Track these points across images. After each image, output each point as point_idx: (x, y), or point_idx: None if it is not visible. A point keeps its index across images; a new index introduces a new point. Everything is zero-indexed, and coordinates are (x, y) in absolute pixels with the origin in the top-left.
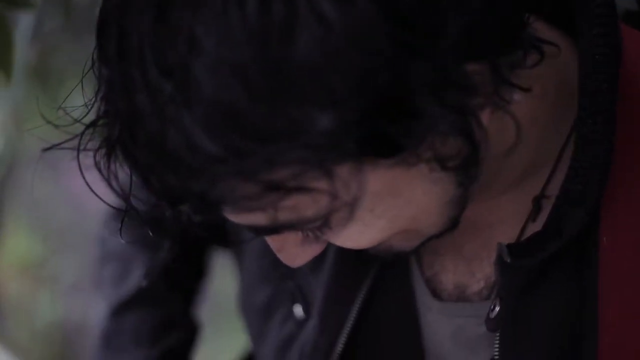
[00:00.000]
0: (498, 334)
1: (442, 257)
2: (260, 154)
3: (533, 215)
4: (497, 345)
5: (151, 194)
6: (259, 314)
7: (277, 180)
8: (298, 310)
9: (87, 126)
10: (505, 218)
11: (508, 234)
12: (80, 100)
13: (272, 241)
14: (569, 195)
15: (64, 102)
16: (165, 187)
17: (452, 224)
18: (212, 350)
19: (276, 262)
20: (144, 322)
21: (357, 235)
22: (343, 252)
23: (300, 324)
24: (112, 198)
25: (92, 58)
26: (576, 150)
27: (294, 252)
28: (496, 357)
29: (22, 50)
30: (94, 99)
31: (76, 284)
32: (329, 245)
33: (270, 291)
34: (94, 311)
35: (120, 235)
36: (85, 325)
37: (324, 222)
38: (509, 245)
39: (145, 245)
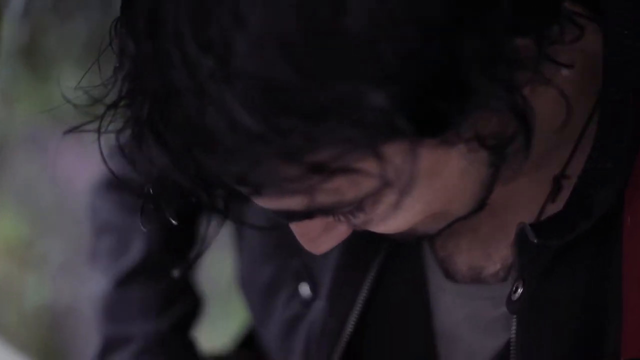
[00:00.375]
0: (515, 316)
1: (456, 239)
2: (306, 132)
3: (553, 196)
4: (514, 328)
5: (184, 179)
6: (262, 292)
7: (321, 161)
8: (304, 289)
9: (109, 107)
10: (523, 199)
11: (526, 215)
12: (73, 81)
13: (296, 227)
14: (596, 174)
15: (78, 83)
16: (201, 170)
17: (480, 206)
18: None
19: (281, 239)
20: (149, 294)
21: (390, 219)
22: (353, 232)
23: (307, 304)
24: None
25: (111, 33)
26: (603, 127)
27: (319, 238)
28: (514, 340)
29: (11, 30)
30: (114, 78)
31: (64, 265)
32: None
33: (274, 269)
34: (83, 293)
35: (143, 219)
36: (74, 307)
37: (359, 206)
38: (532, 225)
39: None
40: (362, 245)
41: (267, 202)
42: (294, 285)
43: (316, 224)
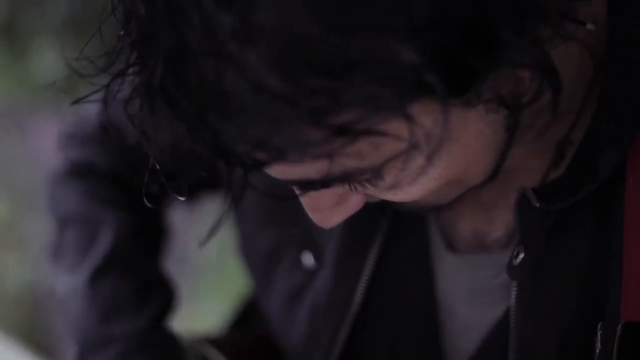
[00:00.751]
0: (516, 283)
1: (459, 205)
2: (331, 91)
3: (556, 162)
4: (514, 294)
5: (200, 147)
6: (263, 262)
7: (346, 123)
8: (308, 258)
9: (115, 75)
10: (527, 166)
11: (529, 182)
12: (52, 56)
13: (307, 200)
14: (600, 135)
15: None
16: (218, 137)
17: (493, 175)
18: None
19: (281, 207)
20: (122, 290)
21: (409, 186)
22: None
23: (311, 274)
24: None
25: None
26: (607, 88)
27: (330, 211)
28: (513, 307)
29: None
30: (118, 45)
31: (46, 247)
32: None
33: (275, 237)
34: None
35: (146, 195)
36: (51, 294)
37: (378, 172)
38: (535, 190)
39: (114, 204)
40: (366, 213)
41: (284, 171)
42: (296, 254)
43: (328, 196)
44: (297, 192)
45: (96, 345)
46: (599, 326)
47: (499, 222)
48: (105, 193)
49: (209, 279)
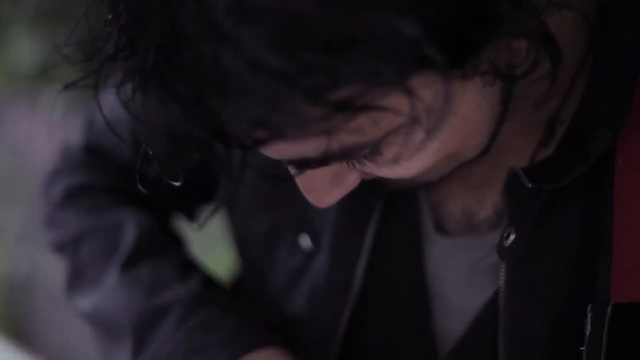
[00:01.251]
0: (504, 264)
1: (449, 184)
2: (330, 68)
3: (546, 140)
4: (503, 275)
5: (197, 130)
6: (260, 247)
7: (345, 99)
8: (305, 240)
9: (105, 60)
10: (516, 144)
11: (518, 160)
12: (27, 45)
13: (303, 179)
14: (592, 114)
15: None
16: (215, 118)
17: (487, 148)
18: None
19: (275, 191)
20: (162, 270)
21: (406, 161)
22: None
23: (309, 256)
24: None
25: None
26: (599, 66)
27: (325, 190)
28: (502, 288)
29: None
30: (106, 30)
31: (23, 235)
32: None
33: (271, 222)
34: (42, 263)
35: (143, 184)
36: (33, 277)
37: (377, 147)
38: (525, 170)
39: (127, 207)
40: (361, 195)
41: (282, 150)
42: (293, 237)
43: (324, 175)
44: (293, 172)
45: (153, 319)
46: (589, 308)
47: (488, 202)
48: (114, 201)
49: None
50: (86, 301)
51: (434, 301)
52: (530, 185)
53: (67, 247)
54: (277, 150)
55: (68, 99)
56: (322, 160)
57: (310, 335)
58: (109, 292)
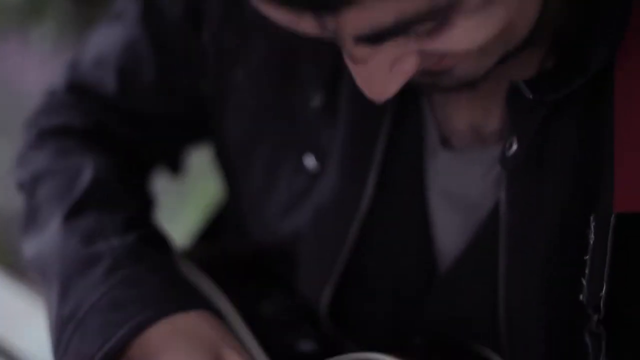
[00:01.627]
0: (506, 174)
1: (456, 97)
2: None
3: (550, 54)
4: (505, 186)
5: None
6: (260, 170)
7: None
8: (310, 161)
9: None
10: (522, 58)
11: (524, 75)
12: None
13: (361, 71)
14: (592, 27)
15: None
16: None
17: (528, 38)
18: None
19: (277, 113)
20: (105, 221)
21: (473, 30)
22: (357, 102)
23: (314, 177)
24: (47, 83)
25: None
26: None
27: (384, 80)
28: (504, 199)
29: None
30: None
31: (11, 170)
32: (342, 96)
33: (272, 148)
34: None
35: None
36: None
37: (445, 15)
38: (526, 82)
39: (94, 153)
40: (368, 115)
41: (357, 20)
42: (297, 159)
43: (383, 63)
44: (359, 56)
45: (81, 268)
46: (592, 218)
47: (495, 115)
48: (84, 146)
49: (179, 192)
50: (31, 245)
51: (436, 216)
52: (531, 97)
53: (26, 187)
54: (353, 21)
55: (59, 33)
56: (394, 29)
57: (312, 256)
58: (50, 237)
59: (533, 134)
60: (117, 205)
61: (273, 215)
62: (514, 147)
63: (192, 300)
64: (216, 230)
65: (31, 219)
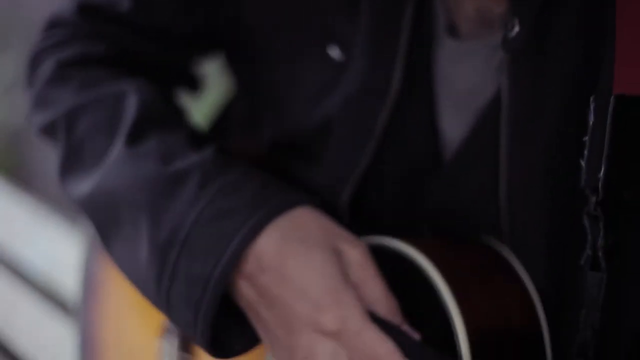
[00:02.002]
0: (508, 57)
1: None
2: None
3: None
4: (506, 69)
5: None
6: (285, 61)
7: None
8: (334, 51)
9: None
10: None
11: None
12: None
13: None
14: None
15: None
16: None
17: None
18: None
19: (299, 3)
20: (170, 138)
21: None
22: None
23: (340, 68)
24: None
25: None
26: None
27: None
28: (505, 82)
29: None
30: None
31: (19, 81)
32: None
33: (296, 35)
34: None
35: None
36: (26, 127)
37: None
38: None
39: (127, 76)
40: (390, 5)
41: None
42: (321, 50)
43: None
44: None
45: (167, 190)
46: (592, 98)
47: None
48: (111, 72)
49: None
50: (84, 184)
51: (441, 103)
52: None
53: (60, 127)
54: None
55: None
56: None
57: (340, 145)
58: (113, 167)
59: (535, 15)
60: (173, 123)
61: (300, 107)
62: (516, 28)
63: (297, 197)
64: (221, 131)
65: (76, 158)
